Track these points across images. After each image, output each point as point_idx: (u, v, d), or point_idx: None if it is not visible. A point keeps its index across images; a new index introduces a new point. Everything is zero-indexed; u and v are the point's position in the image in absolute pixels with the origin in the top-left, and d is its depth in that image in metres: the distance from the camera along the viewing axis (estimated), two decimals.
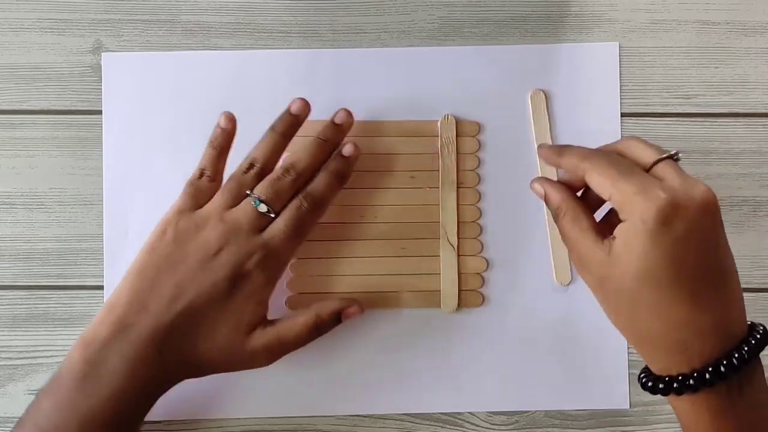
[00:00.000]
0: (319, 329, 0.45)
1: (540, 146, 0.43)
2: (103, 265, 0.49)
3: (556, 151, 0.41)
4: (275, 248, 0.43)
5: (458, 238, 0.49)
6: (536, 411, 0.49)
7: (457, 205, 0.49)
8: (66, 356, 0.41)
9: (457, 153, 0.49)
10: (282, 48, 0.50)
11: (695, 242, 0.35)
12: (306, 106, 0.46)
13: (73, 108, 0.50)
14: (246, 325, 0.42)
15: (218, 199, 0.44)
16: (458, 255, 0.49)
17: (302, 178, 0.44)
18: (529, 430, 0.49)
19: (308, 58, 0.50)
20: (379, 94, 0.50)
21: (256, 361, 0.43)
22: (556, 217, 0.40)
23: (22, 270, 0.49)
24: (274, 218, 0.43)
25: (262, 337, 0.43)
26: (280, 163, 0.46)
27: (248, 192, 0.43)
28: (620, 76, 0.50)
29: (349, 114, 0.47)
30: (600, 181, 0.37)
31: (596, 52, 0.50)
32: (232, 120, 0.46)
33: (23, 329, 0.49)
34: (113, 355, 0.40)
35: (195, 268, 0.42)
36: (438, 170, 0.49)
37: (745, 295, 0.49)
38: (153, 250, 0.43)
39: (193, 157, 0.49)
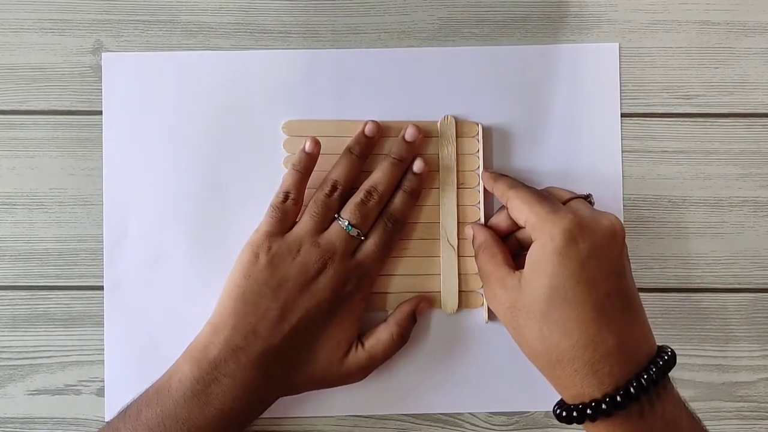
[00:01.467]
0: (403, 338, 0.46)
1: (483, 171, 0.48)
2: (102, 265, 0.49)
3: (492, 177, 0.46)
4: (368, 268, 0.45)
5: (458, 238, 0.49)
6: (536, 411, 0.49)
7: (458, 205, 0.49)
8: (174, 368, 0.42)
9: (457, 153, 0.49)
10: (282, 48, 0.50)
11: (601, 263, 0.37)
12: (378, 128, 0.48)
13: (73, 108, 0.50)
14: (345, 343, 0.45)
15: (308, 222, 0.45)
16: (459, 256, 0.49)
17: (384, 200, 0.46)
18: (529, 431, 0.49)
19: (308, 58, 0.50)
20: (379, 94, 0.50)
21: (351, 379, 0.45)
22: (476, 256, 0.45)
23: (22, 270, 0.49)
24: (363, 240, 0.45)
25: (356, 357, 0.45)
26: (364, 185, 0.47)
27: (337, 216, 0.45)
28: (620, 77, 0.50)
29: (418, 130, 0.48)
30: (518, 205, 0.41)
31: (596, 52, 0.50)
32: (317, 144, 0.47)
33: (23, 329, 0.49)
34: (224, 377, 0.41)
35: (297, 291, 0.43)
36: (438, 171, 0.49)
37: (745, 295, 0.49)
38: (249, 275, 0.43)
39: (192, 157, 0.49)
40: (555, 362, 0.38)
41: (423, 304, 0.47)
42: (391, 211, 0.46)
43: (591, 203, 0.43)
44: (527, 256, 0.39)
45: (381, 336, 0.46)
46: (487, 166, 0.49)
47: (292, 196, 0.45)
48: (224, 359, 0.42)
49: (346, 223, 0.45)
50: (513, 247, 0.45)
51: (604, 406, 0.36)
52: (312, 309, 0.43)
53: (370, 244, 0.45)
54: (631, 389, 0.36)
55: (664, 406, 0.37)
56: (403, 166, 0.47)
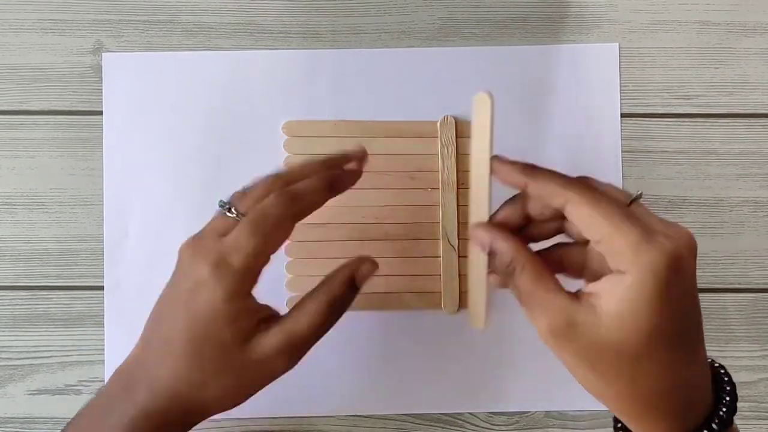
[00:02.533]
0: (335, 307, 0.37)
1: (496, 159, 0.36)
2: (103, 265, 0.49)
3: (524, 170, 0.35)
4: (231, 246, 0.36)
5: (459, 239, 0.49)
6: (536, 411, 0.49)
7: (458, 205, 0.49)
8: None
9: (457, 154, 0.49)
10: (282, 49, 0.50)
11: (695, 293, 0.32)
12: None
13: (73, 108, 0.50)
14: (234, 335, 0.36)
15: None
16: (459, 256, 0.49)
17: (281, 182, 0.38)
18: (529, 431, 0.49)
19: (308, 58, 0.50)
20: (379, 94, 0.50)
21: (273, 369, 0.37)
22: (507, 274, 0.34)
23: (23, 270, 0.49)
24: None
25: (266, 341, 0.36)
26: None
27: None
28: (620, 77, 0.50)
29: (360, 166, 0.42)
30: (592, 218, 0.31)
31: (596, 52, 0.50)
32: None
33: (23, 329, 0.49)
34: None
35: (168, 300, 0.38)
36: (438, 171, 0.49)
37: (745, 295, 0.49)
38: None
39: (192, 158, 0.49)
40: (649, 405, 0.32)
41: (365, 267, 0.39)
42: (284, 189, 0.37)
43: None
44: (612, 290, 0.31)
45: (304, 308, 0.37)
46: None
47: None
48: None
49: (221, 202, 0.38)
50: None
51: None
52: (181, 313, 0.37)
53: (242, 220, 0.37)
54: (714, 425, 0.32)
55: None
56: (324, 166, 0.40)
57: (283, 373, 0.38)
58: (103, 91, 0.50)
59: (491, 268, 0.35)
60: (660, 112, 0.50)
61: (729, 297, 0.49)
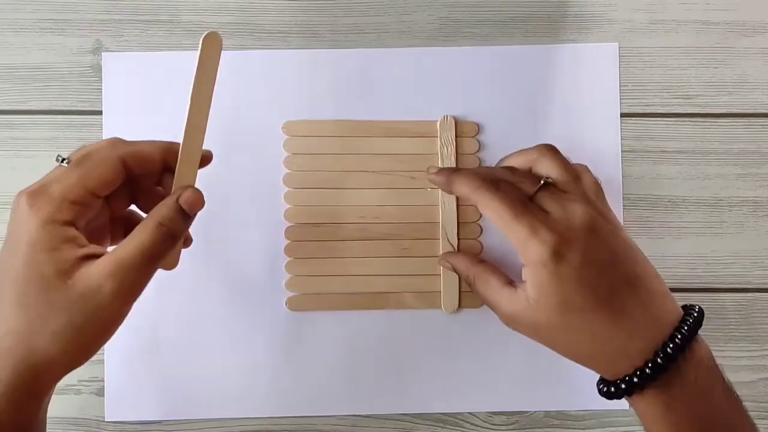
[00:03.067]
0: (164, 229, 0.36)
1: (429, 169, 0.44)
2: None
3: (446, 177, 0.42)
4: (50, 179, 0.36)
5: (458, 238, 0.49)
6: (536, 411, 0.49)
7: (458, 205, 0.49)
8: None
9: (457, 154, 0.49)
10: (282, 48, 0.50)
11: (594, 263, 0.38)
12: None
13: (73, 108, 0.50)
14: (54, 265, 0.34)
15: None
16: None
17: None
18: (529, 431, 0.49)
19: (308, 58, 0.50)
20: (379, 94, 0.50)
21: (101, 298, 0.34)
22: (470, 286, 0.44)
23: None
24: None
25: (92, 269, 0.34)
26: None
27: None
28: (620, 77, 0.50)
29: (197, 200, 0.38)
30: (494, 219, 0.39)
31: (596, 52, 0.50)
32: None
33: None
34: None
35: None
36: None
37: (745, 295, 0.49)
38: None
39: None
40: (587, 358, 0.39)
41: (187, 194, 0.37)
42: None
43: (551, 183, 0.40)
44: (524, 276, 0.39)
45: (132, 234, 0.35)
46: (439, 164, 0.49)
47: None
48: None
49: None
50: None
51: (636, 379, 0.37)
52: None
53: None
54: (659, 359, 0.37)
55: (696, 371, 0.37)
56: (174, 244, 0.38)
57: (114, 305, 0.34)
58: (103, 90, 0.50)
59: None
60: (660, 111, 0.50)
61: (728, 297, 0.49)
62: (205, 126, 0.39)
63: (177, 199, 0.37)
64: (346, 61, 0.50)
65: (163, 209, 0.37)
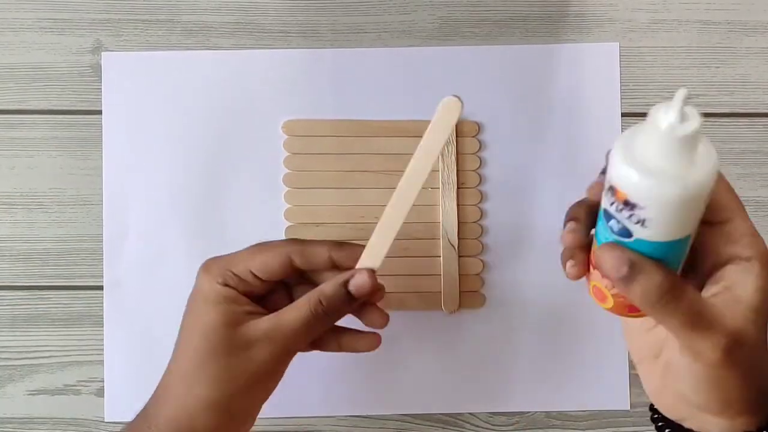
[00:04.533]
0: (325, 307, 0.38)
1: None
2: (102, 265, 0.49)
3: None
4: (227, 255, 0.40)
5: (459, 238, 0.49)
6: (536, 412, 0.49)
7: (458, 205, 0.49)
8: None
9: (457, 153, 0.49)
10: (282, 48, 0.50)
11: None
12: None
13: (72, 108, 0.50)
14: (220, 316, 0.38)
15: None
16: (459, 256, 0.48)
17: None
18: (530, 431, 0.49)
19: (308, 58, 0.50)
20: (379, 93, 0.50)
21: (258, 356, 0.37)
22: (661, 299, 0.29)
23: (22, 270, 0.49)
24: None
25: (254, 325, 0.38)
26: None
27: None
28: (620, 76, 0.50)
29: (370, 277, 0.39)
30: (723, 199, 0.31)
31: (597, 52, 0.50)
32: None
33: (23, 330, 0.49)
34: None
35: None
36: (438, 171, 0.49)
37: None
38: None
39: (192, 157, 0.49)
40: (736, 401, 0.31)
41: (359, 275, 0.38)
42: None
43: None
44: (746, 278, 0.29)
45: (296, 303, 0.38)
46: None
47: None
48: None
49: None
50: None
51: None
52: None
53: None
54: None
55: None
56: (331, 321, 0.39)
57: (266, 362, 0.38)
58: (103, 90, 0.49)
59: (623, 303, 0.32)
60: None
61: None
62: (412, 203, 0.36)
63: (345, 282, 0.38)
64: (346, 60, 0.50)
65: (328, 288, 0.38)
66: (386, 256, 0.49)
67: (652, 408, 0.36)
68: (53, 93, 0.50)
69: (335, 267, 0.40)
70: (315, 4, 0.50)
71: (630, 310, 0.32)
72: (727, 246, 0.30)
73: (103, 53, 0.50)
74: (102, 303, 0.49)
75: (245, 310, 0.38)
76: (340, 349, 0.41)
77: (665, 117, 0.27)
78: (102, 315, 0.49)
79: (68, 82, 0.50)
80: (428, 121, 0.49)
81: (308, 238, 0.41)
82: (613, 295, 0.32)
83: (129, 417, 0.48)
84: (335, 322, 0.40)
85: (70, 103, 0.50)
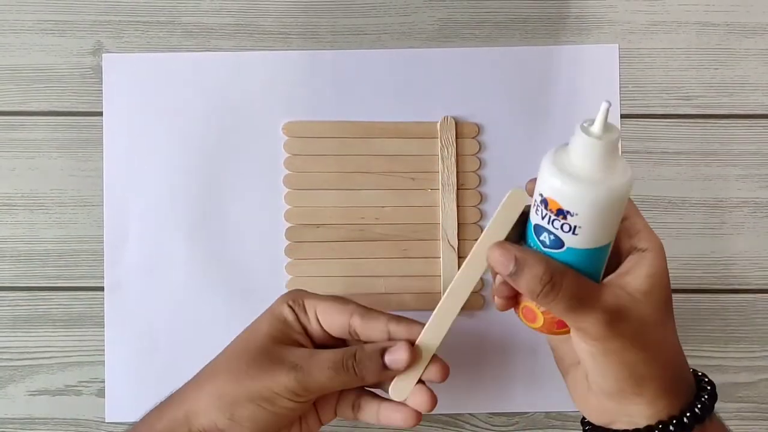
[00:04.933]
0: (354, 362, 0.37)
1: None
2: (103, 266, 0.49)
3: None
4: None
5: (459, 239, 0.49)
6: (536, 412, 0.49)
7: (458, 206, 0.49)
8: None
9: (457, 154, 0.49)
10: (282, 49, 0.50)
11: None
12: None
13: (73, 109, 0.50)
14: (268, 330, 0.39)
15: None
16: (459, 257, 0.49)
17: None
18: (530, 431, 0.49)
19: (308, 59, 0.50)
20: (379, 95, 0.50)
21: (278, 379, 0.37)
22: (544, 289, 0.32)
23: (23, 271, 0.49)
24: None
25: (287, 352, 0.38)
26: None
27: None
28: (620, 78, 0.50)
29: (411, 354, 0.37)
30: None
31: (596, 53, 0.50)
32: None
33: (23, 330, 0.49)
34: None
35: None
36: (438, 172, 0.49)
37: (745, 296, 0.49)
38: None
39: (193, 158, 0.49)
40: (660, 375, 0.34)
41: (398, 350, 0.37)
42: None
43: None
44: (637, 268, 0.33)
45: (336, 351, 0.38)
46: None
47: None
48: None
49: None
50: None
51: (685, 419, 0.33)
52: None
53: None
54: (685, 419, 0.33)
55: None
56: (359, 382, 0.38)
57: (283, 389, 0.37)
58: (103, 92, 0.50)
59: (504, 291, 0.35)
60: (660, 113, 0.50)
61: (729, 297, 0.49)
62: (471, 289, 0.37)
63: (383, 350, 0.37)
64: (346, 61, 0.50)
65: (368, 347, 0.38)
66: (386, 258, 0.49)
67: (583, 421, 0.37)
68: (54, 94, 0.50)
69: (389, 338, 0.39)
70: (315, 5, 0.50)
71: (558, 326, 0.34)
72: (625, 240, 0.34)
73: (103, 55, 0.50)
74: (103, 304, 0.49)
75: (295, 337, 0.39)
76: (378, 420, 0.39)
77: (592, 128, 0.31)
78: (103, 316, 0.49)
79: (69, 84, 0.50)
80: (429, 123, 0.49)
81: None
82: (542, 313, 0.34)
83: (129, 417, 0.48)
84: (365, 384, 0.38)
85: (71, 105, 0.50)
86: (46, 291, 0.49)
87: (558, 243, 0.32)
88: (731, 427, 0.37)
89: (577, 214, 0.30)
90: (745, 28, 0.50)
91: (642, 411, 0.34)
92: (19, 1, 0.50)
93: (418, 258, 0.49)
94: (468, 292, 0.37)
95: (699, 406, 0.34)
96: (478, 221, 0.49)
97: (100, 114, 0.50)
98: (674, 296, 0.39)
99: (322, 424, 0.40)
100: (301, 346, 0.39)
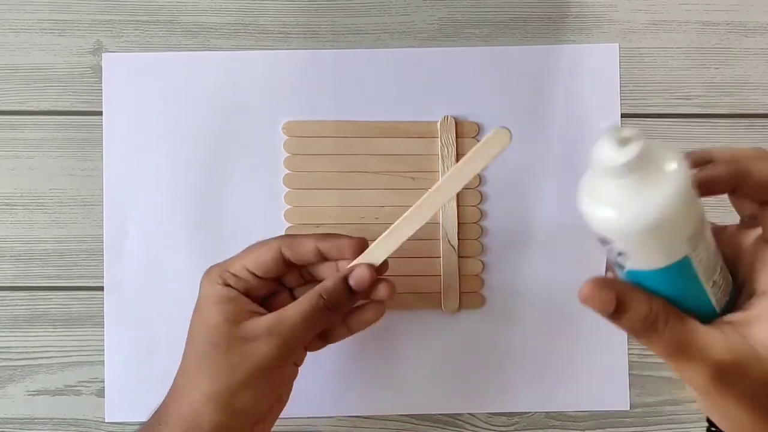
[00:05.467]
0: (327, 300, 0.39)
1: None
2: (103, 266, 0.49)
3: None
4: (228, 259, 0.42)
5: (459, 239, 0.49)
6: (536, 412, 0.49)
7: (458, 206, 0.49)
8: None
9: (457, 154, 0.49)
10: (282, 49, 0.50)
11: None
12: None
13: (73, 109, 0.50)
14: (221, 314, 0.39)
15: None
16: (459, 256, 0.49)
17: None
18: (529, 431, 0.49)
19: (308, 59, 0.50)
20: (379, 95, 0.50)
21: (261, 350, 0.38)
22: (645, 332, 0.28)
23: (22, 271, 0.49)
24: None
25: (256, 323, 0.38)
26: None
27: None
28: (620, 77, 0.50)
29: (370, 272, 0.40)
30: None
31: (596, 52, 0.50)
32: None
33: (23, 330, 0.49)
34: None
35: None
36: (438, 171, 0.49)
37: None
38: None
39: (193, 158, 0.49)
40: None
41: (359, 268, 0.40)
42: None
43: None
44: (754, 313, 0.28)
45: (298, 300, 0.39)
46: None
47: None
48: None
49: None
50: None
51: None
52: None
53: None
54: None
55: None
56: (333, 315, 0.40)
57: (269, 358, 0.38)
58: (103, 91, 0.50)
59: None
60: (660, 112, 0.50)
61: None
62: (428, 218, 0.38)
63: (345, 276, 0.40)
64: (346, 61, 0.50)
65: (329, 283, 0.39)
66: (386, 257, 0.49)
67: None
68: (54, 94, 0.50)
69: (324, 259, 0.41)
70: (315, 5, 0.50)
71: None
72: (760, 271, 0.29)
73: (103, 54, 0.50)
74: (102, 304, 0.49)
75: (247, 308, 0.40)
76: (350, 332, 0.42)
77: (603, 151, 0.26)
78: (102, 316, 0.49)
79: (69, 83, 0.50)
80: (429, 122, 0.49)
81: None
82: None
83: (129, 417, 0.48)
84: (337, 317, 0.41)
85: (71, 104, 0.50)
86: (46, 291, 0.49)
87: (619, 265, 0.28)
88: None
89: (615, 241, 0.27)
90: (746, 27, 0.50)
91: None
92: (19, 0, 0.50)
93: (419, 257, 0.49)
94: (423, 221, 0.38)
95: None
96: (478, 221, 0.49)
97: (100, 113, 0.50)
98: None
99: (297, 366, 0.42)
100: (256, 312, 0.40)
